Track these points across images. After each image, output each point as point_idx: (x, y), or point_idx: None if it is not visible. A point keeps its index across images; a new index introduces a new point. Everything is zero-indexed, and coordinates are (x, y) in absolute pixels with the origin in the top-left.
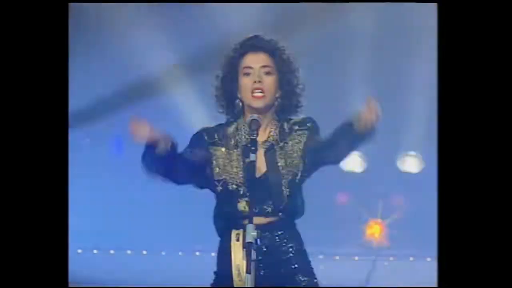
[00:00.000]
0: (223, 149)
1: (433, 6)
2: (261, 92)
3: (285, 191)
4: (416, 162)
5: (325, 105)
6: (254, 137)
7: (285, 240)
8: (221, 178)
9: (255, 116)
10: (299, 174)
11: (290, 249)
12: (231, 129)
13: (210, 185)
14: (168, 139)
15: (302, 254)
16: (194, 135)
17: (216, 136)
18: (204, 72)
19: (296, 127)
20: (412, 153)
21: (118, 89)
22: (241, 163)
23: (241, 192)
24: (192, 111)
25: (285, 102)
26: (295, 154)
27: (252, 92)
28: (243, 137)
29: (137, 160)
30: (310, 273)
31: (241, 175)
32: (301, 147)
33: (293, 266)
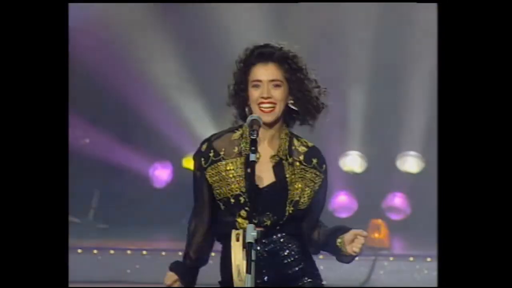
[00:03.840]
0: (222, 163)
1: (433, 6)
2: (269, 107)
3: (288, 208)
4: (416, 162)
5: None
6: (255, 137)
7: (287, 243)
8: (221, 197)
9: (255, 116)
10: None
11: (293, 252)
12: (235, 135)
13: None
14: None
15: (306, 256)
16: (194, 180)
17: (223, 150)
18: (206, 76)
19: (315, 161)
20: (412, 153)
21: (120, 94)
22: (244, 172)
23: (242, 202)
24: (194, 112)
25: (299, 108)
26: (304, 189)
27: (260, 105)
28: (246, 146)
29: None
30: (315, 275)
31: (242, 184)
32: (311, 187)
33: (297, 269)
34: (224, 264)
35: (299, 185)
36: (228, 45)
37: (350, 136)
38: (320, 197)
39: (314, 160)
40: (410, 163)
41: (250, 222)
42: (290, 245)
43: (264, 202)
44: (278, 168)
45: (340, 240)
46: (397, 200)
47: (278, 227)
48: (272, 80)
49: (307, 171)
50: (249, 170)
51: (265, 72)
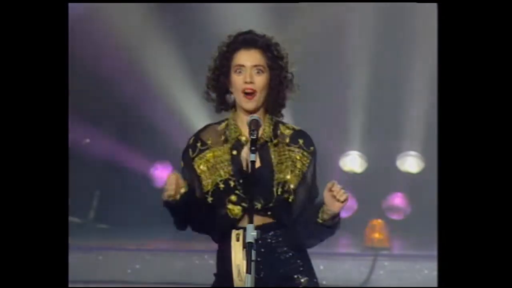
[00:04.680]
0: (209, 151)
1: (433, 6)
2: (251, 93)
3: (276, 189)
4: (416, 162)
5: (324, 105)
6: (254, 137)
7: (281, 240)
8: (209, 187)
9: (256, 116)
10: (291, 193)
11: (289, 249)
12: (221, 126)
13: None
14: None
15: (301, 254)
16: (184, 160)
17: (209, 140)
18: (205, 73)
19: (301, 141)
20: (412, 153)
21: (119, 91)
22: (230, 156)
23: (231, 186)
24: (194, 112)
25: (273, 99)
26: (292, 169)
27: (243, 92)
28: (232, 132)
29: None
30: (310, 273)
31: (230, 168)
32: (299, 168)
33: (293, 266)
34: (219, 263)
35: (285, 166)
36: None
37: (350, 136)
38: (308, 180)
39: (301, 141)
40: (410, 163)
41: (242, 207)
42: (286, 242)
43: (252, 186)
44: (263, 151)
45: (321, 215)
46: (397, 200)
47: (269, 212)
48: (255, 66)
49: (293, 151)
50: (249, 170)
51: (248, 58)
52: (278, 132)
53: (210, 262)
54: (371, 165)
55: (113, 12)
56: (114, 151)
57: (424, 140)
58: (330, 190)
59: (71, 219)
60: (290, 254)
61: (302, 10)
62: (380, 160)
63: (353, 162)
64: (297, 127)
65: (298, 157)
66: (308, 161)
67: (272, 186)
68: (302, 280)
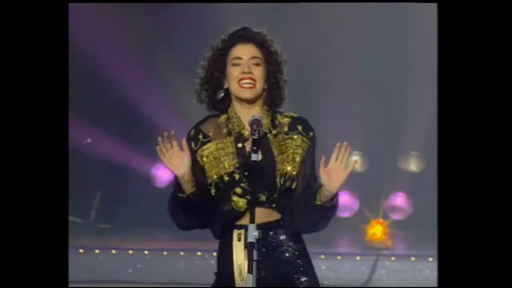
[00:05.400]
0: (212, 143)
1: (433, 6)
2: (250, 83)
3: (279, 180)
4: (417, 162)
5: (324, 105)
6: (256, 137)
7: (283, 240)
8: (214, 178)
9: (257, 116)
10: (294, 179)
11: (290, 249)
12: (222, 118)
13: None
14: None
15: (302, 254)
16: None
17: (211, 132)
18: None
19: (300, 128)
20: (414, 152)
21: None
22: (235, 149)
23: (237, 178)
24: (195, 112)
25: (271, 94)
26: (293, 157)
27: (240, 82)
28: (235, 125)
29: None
30: (311, 273)
31: (235, 161)
32: (300, 154)
33: (294, 266)
34: (220, 261)
35: (286, 155)
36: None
37: (351, 136)
38: (307, 164)
39: (299, 127)
40: (412, 162)
41: (246, 199)
42: (288, 242)
43: (256, 179)
44: (263, 143)
45: (319, 197)
46: (399, 199)
47: (273, 204)
48: (253, 58)
49: (293, 138)
50: (239, 146)
51: (245, 51)
52: (276, 122)
53: (211, 262)
54: (373, 164)
55: (113, 12)
56: (115, 151)
57: (425, 140)
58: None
59: (72, 219)
60: (290, 253)
61: (302, 10)
62: (382, 160)
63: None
64: (295, 114)
65: (298, 143)
66: (307, 146)
67: (275, 177)
68: (302, 280)
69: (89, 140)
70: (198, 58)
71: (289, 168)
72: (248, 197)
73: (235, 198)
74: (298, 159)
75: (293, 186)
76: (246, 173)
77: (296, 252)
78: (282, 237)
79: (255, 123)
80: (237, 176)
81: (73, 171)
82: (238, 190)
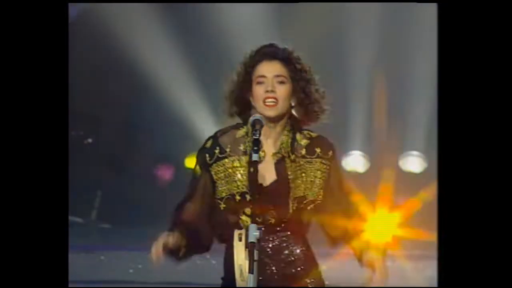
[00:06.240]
0: (228, 160)
1: (433, 6)
2: (273, 101)
3: (292, 205)
4: (418, 162)
5: (326, 104)
6: (257, 137)
7: (291, 242)
8: (225, 194)
9: (258, 116)
10: (309, 202)
11: (297, 251)
12: (241, 132)
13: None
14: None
15: (310, 257)
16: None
17: (228, 147)
18: (206, 73)
19: (318, 150)
20: (415, 153)
21: (120, 90)
22: (248, 172)
23: (248, 199)
24: (196, 112)
25: (300, 110)
26: (311, 180)
27: (264, 101)
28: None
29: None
30: (318, 277)
31: (242, 184)
32: (319, 177)
33: (299, 268)
34: (227, 265)
35: (301, 181)
36: (231, 47)
37: (353, 136)
38: (333, 185)
39: (318, 150)
40: (413, 163)
41: (254, 221)
42: (294, 244)
43: (267, 200)
44: (280, 165)
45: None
46: (399, 200)
47: (283, 225)
48: (277, 76)
49: (311, 162)
50: (251, 170)
51: (270, 68)
52: (295, 144)
53: (213, 262)
54: (374, 164)
55: (113, 12)
56: (116, 151)
57: (426, 140)
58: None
59: (73, 219)
60: (298, 256)
61: (302, 10)
62: (383, 160)
63: (355, 161)
64: (314, 134)
65: (318, 167)
66: (327, 167)
67: (287, 202)
68: (309, 282)
69: (90, 140)
70: (201, 60)
71: (305, 192)
72: (258, 219)
73: (244, 217)
74: (317, 182)
75: (308, 208)
76: (257, 196)
77: (303, 254)
78: (290, 238)
79: (257, 123)
80: (248, 197)
81: (74, 171)
82: (248, 210)
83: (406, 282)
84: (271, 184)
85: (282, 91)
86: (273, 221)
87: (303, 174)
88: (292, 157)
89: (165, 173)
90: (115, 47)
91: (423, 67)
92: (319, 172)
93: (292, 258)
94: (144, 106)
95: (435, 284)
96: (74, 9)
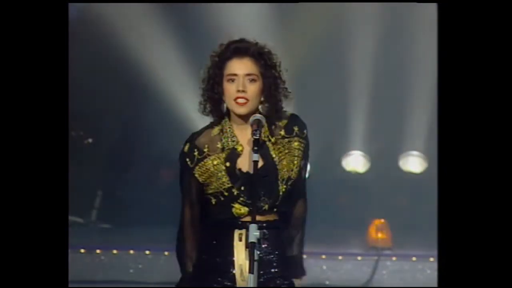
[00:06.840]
0: (209, 160)
1: (433, 6)
2: (244, 100)
3: (281, 187)
4: (419, 162)
5: (326, 104)
6: (257, 137)
7: (268, 242)
8: (213, 191)
9: (258, 116)
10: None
11: (272, 254)
12: (215, 131)
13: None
14: None
15: (284, 261)
16: (181, 179)
17: (206, 147)
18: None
19: (296, 129)
20: (415, 153)
21: (119, 89)
22: (225, 167)
23: (235, 194)
24: (196, 112)
25: (268, 106)
26: (293, 161)
27: (235, 100)
28: (229, 140)
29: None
30: (291, 282)
31: (227, 179)
32: (299, 156)
33: (272, 270)
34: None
35: (286, 162)
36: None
37: (353, 136)
38: (303, 165)
39: (295, 128)
40: (413, 163)
41: (248, 207)
42: (269, 246)
43: (258, 187)
44: (263, 150)
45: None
46: (400, 200)
47: (275, 209)
48: (248, 74)
49: (291, 141)
50: (252, 171)
51: (241, 66)
52: (273, 127)
53: None
54: (374, 164)
55: (113, 12)
56: (116, 151)
57: (427, 140)
58: None
59: (74, 219)
60: (272, 259)
61: (302, 10)
62: (383, 160)
63: (356, 161)
64: (288, 113)
65: (295, 146)
66: (304, 146)
67: (277, 185)
68: (284, 285)
69: (90, 140)
70: (201, 61)
71: (291, 173)
72: (250, 207)
73: (236, 205)
74: (295, 161)
75: (290, 187)
76: (242, 188)
77: (278, 257)
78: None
79: (256, 123)
80: (235, 192)
81: (74, 171)
82: (239, 202)
83: (407, 282)
84: (259, 170)
85: (253, 90)
86: (266, 207)
87: (286, 154)
88: (273, 139)
89: (165, 173)
90: (115, 47)
91: (423, 67)
92: (297, 151)
93: (267, 258)
94: (144, 106)
95: (435, 284)
96: (74, 9)
